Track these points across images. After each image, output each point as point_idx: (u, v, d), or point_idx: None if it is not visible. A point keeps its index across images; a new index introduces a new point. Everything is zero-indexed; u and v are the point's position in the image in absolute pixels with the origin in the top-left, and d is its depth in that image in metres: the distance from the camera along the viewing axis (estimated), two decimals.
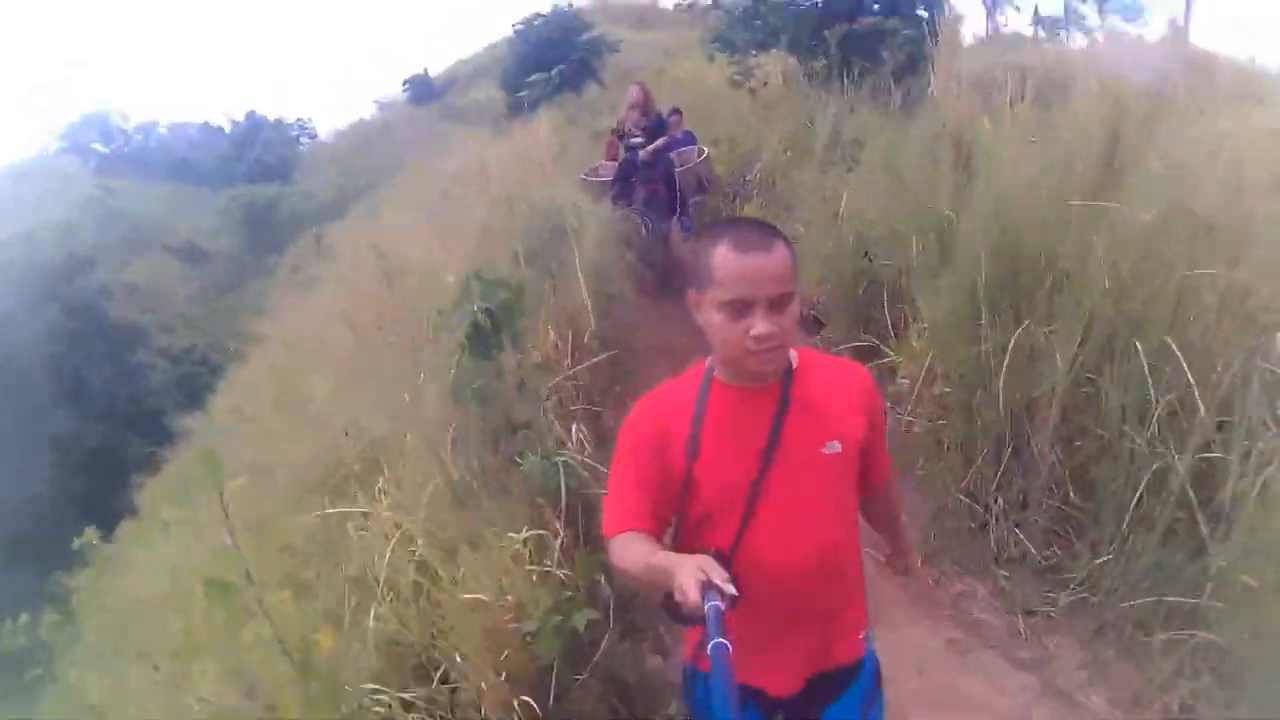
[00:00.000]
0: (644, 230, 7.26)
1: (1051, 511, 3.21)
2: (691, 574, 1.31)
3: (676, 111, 8.57)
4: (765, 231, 1.56)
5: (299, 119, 39.72)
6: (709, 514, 1.60)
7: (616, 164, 7.63)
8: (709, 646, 1.24)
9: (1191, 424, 2.76)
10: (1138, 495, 2.84)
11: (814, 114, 7.93)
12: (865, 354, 4.39)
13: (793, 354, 1.63)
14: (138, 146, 38.54)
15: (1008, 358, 3.24)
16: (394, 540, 2.79)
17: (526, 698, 2.48)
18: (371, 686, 2.42)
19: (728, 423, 1.61)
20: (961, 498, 3.46)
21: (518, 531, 2.76)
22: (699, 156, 7.97)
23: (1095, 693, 2.76)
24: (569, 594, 2.71)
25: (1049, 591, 3.11)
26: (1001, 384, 3.24)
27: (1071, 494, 3.16)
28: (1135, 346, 2.89)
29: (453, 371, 3.20)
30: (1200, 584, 2.68)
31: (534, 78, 15.86)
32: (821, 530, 1.64)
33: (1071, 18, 21.01)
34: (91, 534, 5.23)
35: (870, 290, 4.81)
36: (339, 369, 4.62)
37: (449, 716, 2.54)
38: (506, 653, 2.52)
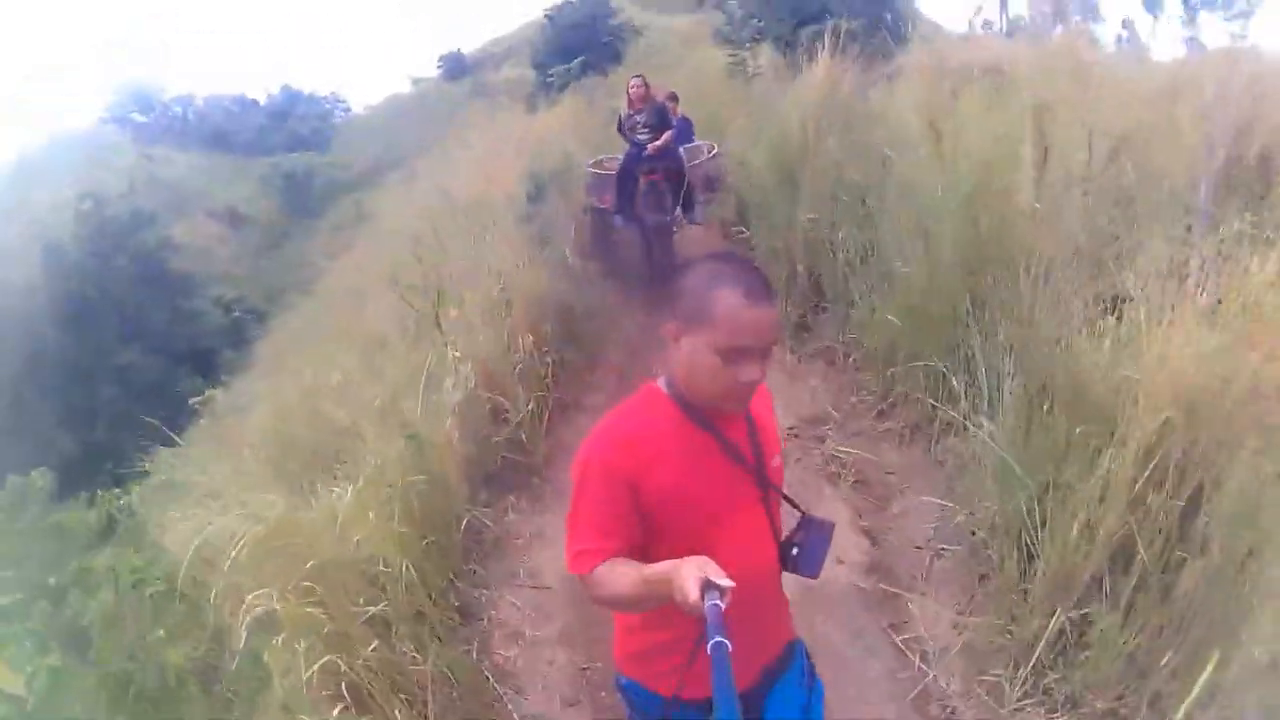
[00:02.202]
0: (638, 226, 7.69)
1: None
2: (690, 574, 1.39)
3: (673, 97, 9.34)
4: (763, 279, 1.62)
5: (333, 93, 42.48)
6: (693, 535, 1.64)
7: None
8: (709, 645, 1.29)
9: None
10: None
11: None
12: None
13: None
14: (176, 117, 41.21)
15: None
16: None
17: None
18: None
19: (722, 451, 1.70)
20: None
21: None
22: (709, 153, 8.42)
23: None
24: None
25: None
26: None
27: None
28: None
29: None
30: None
31: (556, 69, 17.88)
32: (776, 532, 1.81)
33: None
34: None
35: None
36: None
37: None
38: None
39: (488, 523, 4.29)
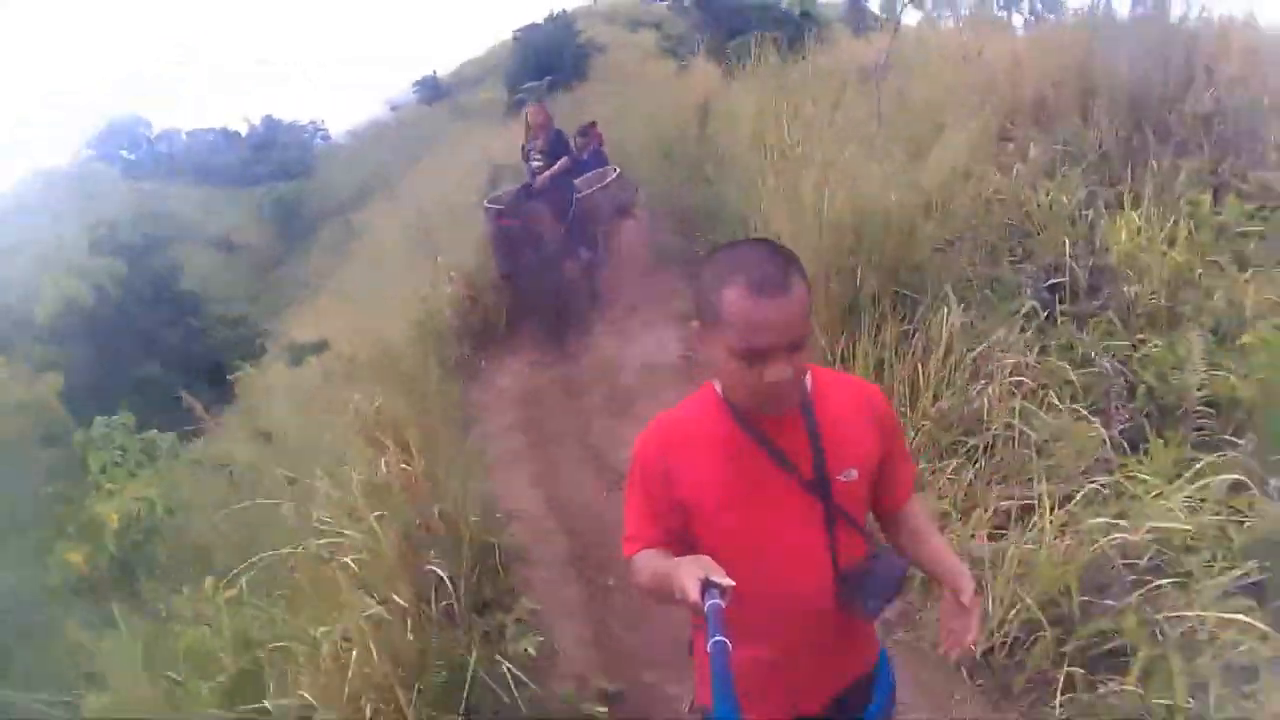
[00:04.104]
0: (500, 267, 7.51)
1: None
2: (690, 574, 1.39)
3: (591, 126, 9.49)
4: (781, 266, 1.48)
5: (312, 120, 44.96)
6: (730, 543, 1.59)
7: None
8: (709, 644, 1.28)
9: None
10: None
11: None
12: None
13: (807, 377, 1.61)
14: (162, 152, 43.75)
15: None
16: None
17: None
18: None
19: (769, 456, 1.61)
20: None
21: None
22: (612, 175, 8.29)
23: None
24: None
25: None
26: None
27: None
28: None
29: None
30: None
31: (527, 85, 20.14)
32: (846, 555, 1.67)
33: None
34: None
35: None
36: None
37: None
38: None
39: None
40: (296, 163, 38.05)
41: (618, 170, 8.45)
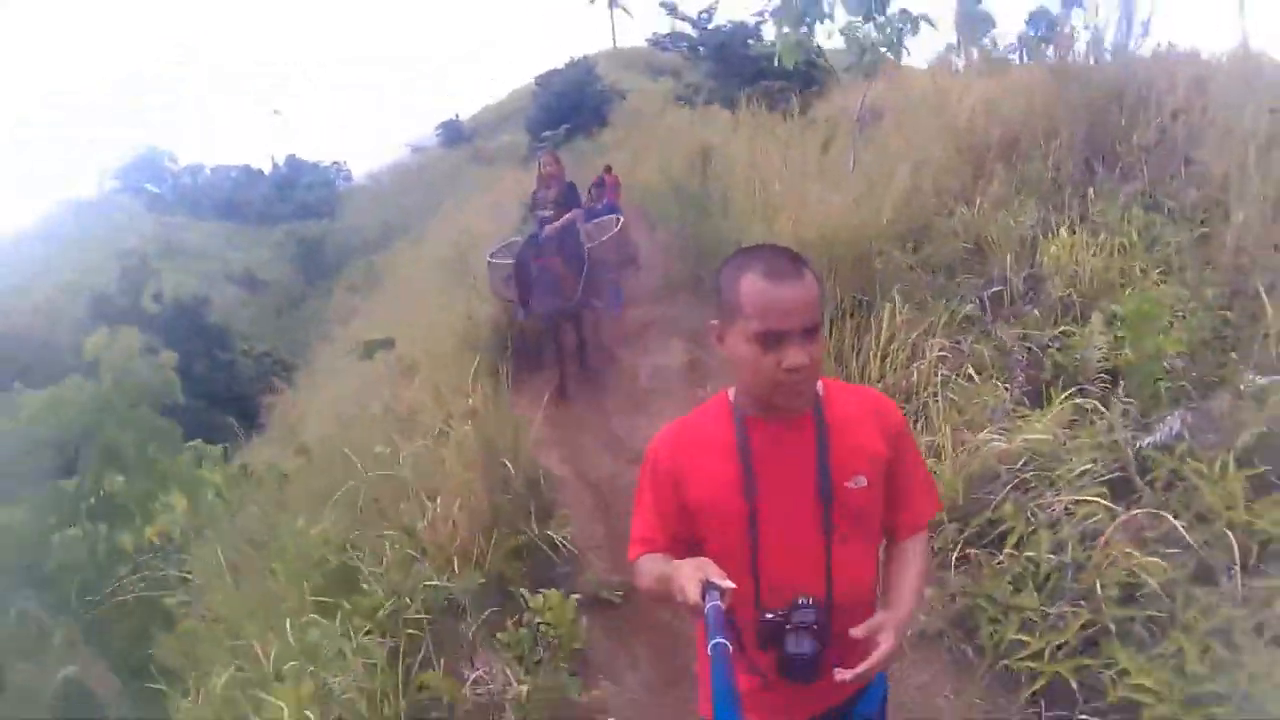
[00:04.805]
0: (518, 314, 7.62)
1: None
2: (690, 575, 1.46)
3: (608, 171, 10.59)
4: (793, 259, 1.63)
5: (335, 162, 46.68)
6: (773, 553, 1.68)
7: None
8: (709, 645, 1.32)
9: None
10: None
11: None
12: None
13: (819, 385, 1.71)
14: (186, 186, 45.44)
15: None
16: None
17: None
18: None
19: (776, 459, 1.69)
20: None
21: None
22: (615, 226, 8.42)
23: None
24: None
25: None
26: None
27: None
28: None
29: None
30: None
31: (546, 134, 21.39)
32: (863, 560, 1.75)
33: None
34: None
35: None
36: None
37: None
38: None
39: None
40: (320, 202, 39.43)
41: (621, 219, 8.74)
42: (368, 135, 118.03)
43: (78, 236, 33.33)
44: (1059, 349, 4.33)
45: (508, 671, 3.37)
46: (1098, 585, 2.90)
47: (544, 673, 3.45)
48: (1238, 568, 2.75)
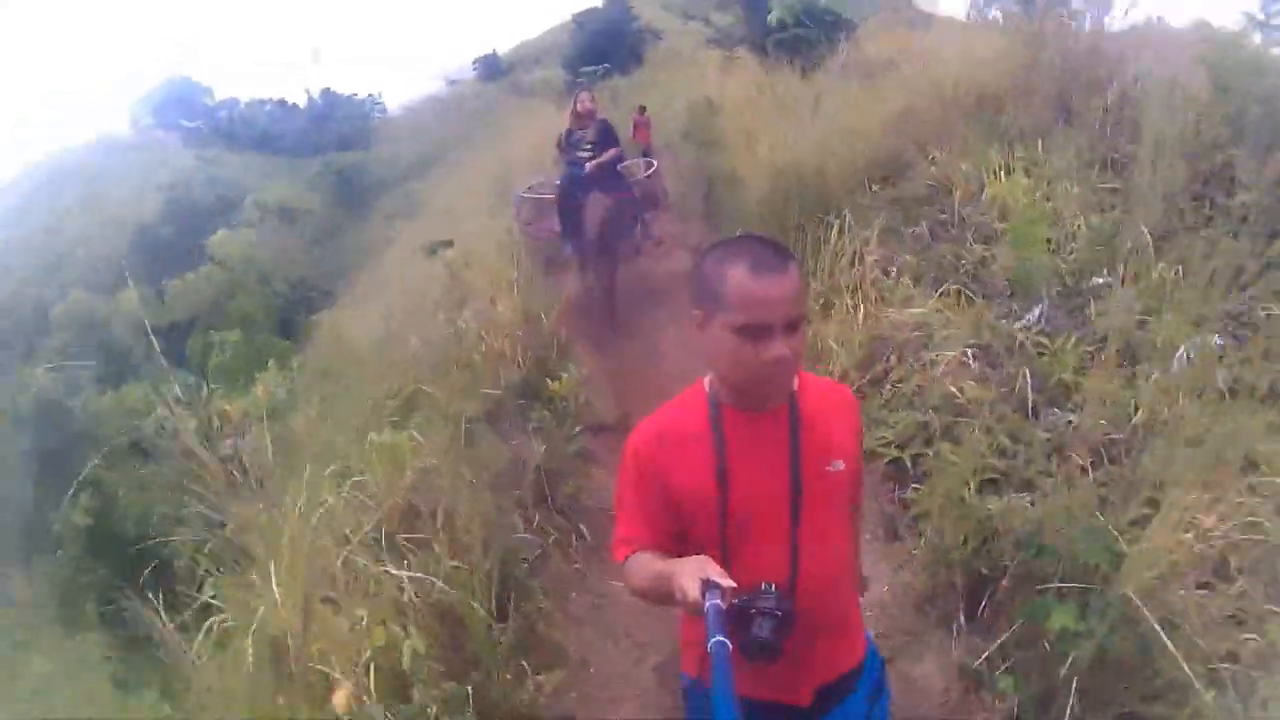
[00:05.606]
0: (590, 252, 7.90)
1: None
2: (690, 574, 1.52)
3: (642, 111, 12.02)
4: (778, 251, 1.67)
5: (370, 94, 47.55)
6: (745, 539, 1.76)
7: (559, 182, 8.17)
8: (710, 645, 1.39)
9: None
10: None
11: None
12: None
13: None
14: (222, 121, 46.60)
15: None
16: None
17: None
18: None
19: (750, 448, 1.77)
20: None
21: None
22: (646, 170, 9.01)
23: None
24: None
25: None
26: None
27: None
28: None
29: None
30: None
31: (584, 70, 22.27)
32: (835, 544, 1.86)
33: None
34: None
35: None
36: None
37: None
38: None
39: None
40: (356, 134, 40.25)
41: (655, 164, 9.36)
42: (399, 70, 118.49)
43: (116, 171, 34.66)
44: (987, 266, 5.59)
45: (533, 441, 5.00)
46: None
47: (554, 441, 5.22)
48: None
